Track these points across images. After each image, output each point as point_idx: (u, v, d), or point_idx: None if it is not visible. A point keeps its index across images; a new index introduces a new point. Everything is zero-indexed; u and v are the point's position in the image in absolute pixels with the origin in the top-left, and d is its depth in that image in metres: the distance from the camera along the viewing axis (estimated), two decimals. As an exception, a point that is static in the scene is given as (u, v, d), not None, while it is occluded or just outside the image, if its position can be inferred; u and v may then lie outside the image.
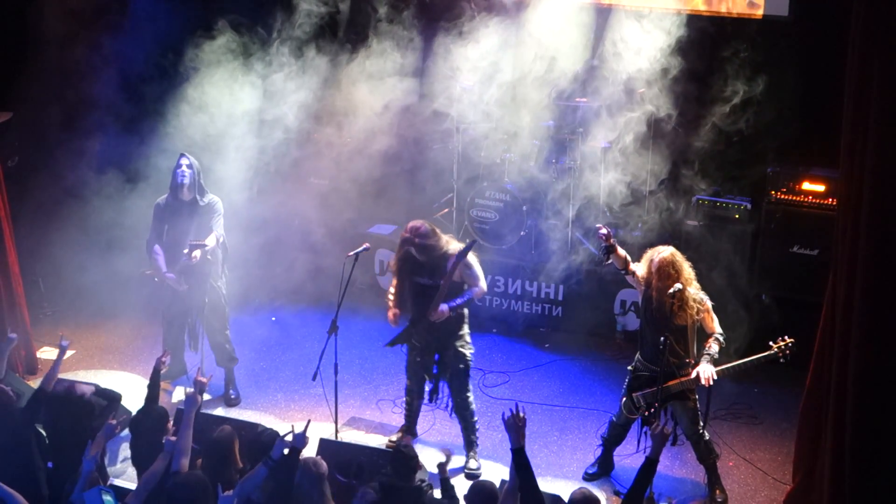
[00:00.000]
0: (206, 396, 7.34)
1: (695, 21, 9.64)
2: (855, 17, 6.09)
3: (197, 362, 8.79)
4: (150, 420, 6.99)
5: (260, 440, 6.61)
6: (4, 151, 10.04)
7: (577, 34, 9.73)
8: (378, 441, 8.26)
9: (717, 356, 7.34)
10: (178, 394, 8.98)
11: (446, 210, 10.67)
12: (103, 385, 8.30)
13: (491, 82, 10.09)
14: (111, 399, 7.32)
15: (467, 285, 7.76)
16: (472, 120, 10.31)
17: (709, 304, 7.41)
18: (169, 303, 8.82)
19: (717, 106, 9.38)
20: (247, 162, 10.05)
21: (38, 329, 9.81)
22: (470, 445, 8.06)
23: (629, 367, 7.67)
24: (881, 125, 5.91)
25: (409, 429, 8.36)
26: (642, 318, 7.59)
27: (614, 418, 7.84)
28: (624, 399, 7.64)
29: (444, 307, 7.68)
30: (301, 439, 6.33)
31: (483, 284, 7.84)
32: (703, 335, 7.41)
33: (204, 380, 7.13)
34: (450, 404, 8.05)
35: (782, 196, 9.40)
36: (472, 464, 8.01)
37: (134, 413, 7.29)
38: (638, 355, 7.60)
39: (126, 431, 7.14)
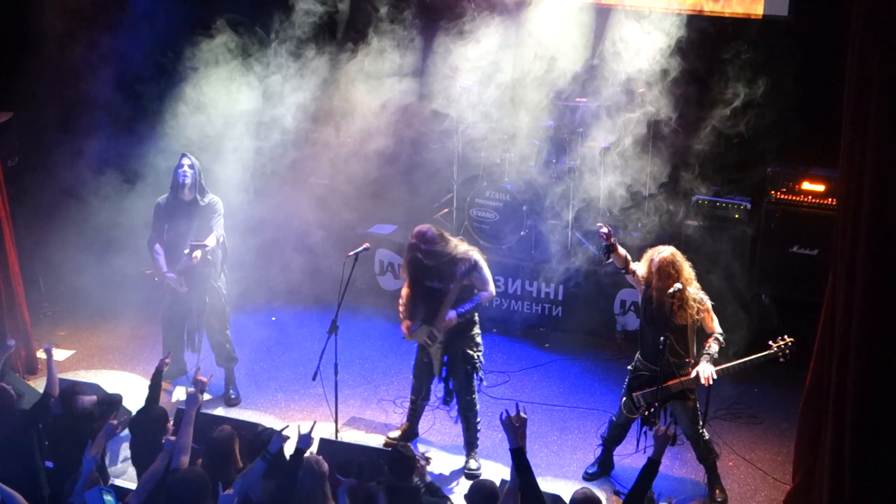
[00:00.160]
0: (206, 396, 7.34)
1: (695, 22, 9.64)
2: (855, 17, 6.10)
3: (197, 362, 8.80)
4: (150, 420, 6.99)
5: (260, 440, 6.62)
6: (4, 151, 10.04)
7: (577, 34, 9.74)
8: (378, 441, 8.27)
9: (716, 356, 7.35)
10: (179, 394, 8.98)
11: (446, 210, 10.67)
12: (103, 385, 8.32)
13: (491, 82, 10.09)
14: (111, 403, 7.31)
15: (476, 289, 7.77)
16: (471, 120, 10.31)
17: (709, 303, 7.41)
18: (169, 303, 8.83)
19: (717, 108, 9.38)
20: (246, 162, 10.04)
21: (38, 329, 9.81)
22: (471, 446, 8.07)
23: (629, 367, 7.67)
24: (881, 125, 5.91)
25: (411, 428, 8.36)
26: (642, 317, 7.59)
27: (614, 418, 7.85)
28: (624, 399, 7.64)
29: (452, 314, 7.71)
30: (306, 440, 6.34)
31: (492, 288, 7.86)
32: (703, 335, 7.41)
33: (204, 379, 7.13)
34: (455, 404, 8.05)
35: (782, 196, 9.40)
36: (473, 464, 8.02)
37: (134, 413, 7.30)
38: (638, 355, 7.60)
39: (126, 431, 7.15)
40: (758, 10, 9.82)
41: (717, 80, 9.43)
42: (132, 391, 8.37)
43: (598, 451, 8.03)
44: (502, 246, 10.16)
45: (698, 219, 9.70)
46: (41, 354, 9.45)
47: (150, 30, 10.43)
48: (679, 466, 8.09)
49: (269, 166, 10.44)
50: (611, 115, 9.89)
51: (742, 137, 9.48)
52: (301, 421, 8.35)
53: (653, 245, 7.72)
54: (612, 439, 7.92)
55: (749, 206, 9.67)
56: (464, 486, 7.73)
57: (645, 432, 7.47)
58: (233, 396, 8.91)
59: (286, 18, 10.16)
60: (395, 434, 8.31)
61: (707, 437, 7.59)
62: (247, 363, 9.36)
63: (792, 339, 7.32)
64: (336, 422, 7.90)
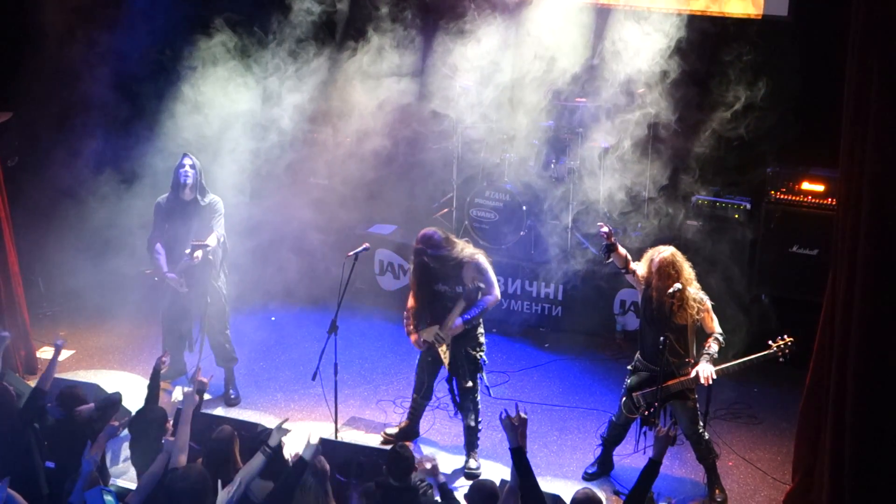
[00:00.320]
0: (206, 396, 7.33)
1: (695, 22, 9.64)
2: (854, 17, 6.10)
3: (198, 362, 8.80)
4: (150, 420, 7.00)
5: (260, 440, 6.62)
6: (4, 151, 10.04)
7: (577, 34, 9.73)
8: (377, 440, 8.26)
9: (716, 356, 7.35)
10: (178, 394, 8.91)
11: (446, 210, 10.67)
12: (103, 385, 8.32)
13: (490, 82, 10.09)
14: (111, 403, 7.31)
15: (481, 293, 7.78)
16: (471, 120, 10.32)
17: (708, 303, 7.41)
18: (169, 303, 8.82)
19: (717, 109, 9.38)
20: (245, 163, 10.04)
21: (38, 329, 9.81)
22: (471, 445, 8.07)
23: (629, 367, 7.68)
24: (880, 125, 5.91)
25: (412, 427, 8.36)
26: (642, 317, 7.60)
27: (614, 418, 7.85)
28: (623, 399, 7.64)
29: (458, 321, 7.73)
30: (314, 452, 6.33)
31: (497, 292, 7.87)
32: (703, 335, 7.41)
33: (204, 380, 7.14)
34: (456, 399, 8.05)
35: (782, 196, 9.40)
36: (472, 463, 8.02)
37: (134, 413, 7.30)
38: (638, 355, 7.60)
39: (126, 431, 7.14)
40: (757, 10, 9.82)
41: (717, 81, 9.43)
42: (132, 391, 8.36)
43: (598, 451, 8.03)
44: (502, 246, 10.16)
45: (698, 219, 9.70)
46: (41, 354, 9.47)
47: (148, 29, 10.42)
48: (679, 466, 8.09)
49: (268, 166, 10.44)
50: (610, 116, 9.89)
51: (742, 140, 9.48)
52: (300, 421, 8.37)
53: (652, 246, 7.73)
54: (611, 439, 7.92)
55: (749, 206, 9.68)
56: (464, 485, 7.73)
57: (644, 432, 7.47)
58: (232, 396, 8.91)
59: (285, 18, 10.16)
60: (393, 430, 8.31)
61: (707, 437, 7.59)
62: (246, 363, 9.36)
63: (792, 339, 7.32)
64: (336, 422, 7.90)
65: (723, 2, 9.90)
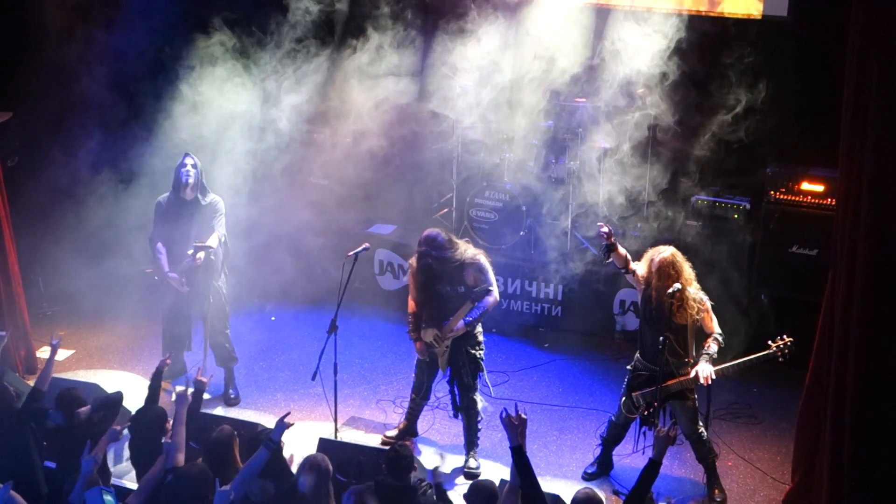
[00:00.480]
0: (206, 396, 7.33)
1: (694, 23, 9.64)
2: (854, 17, 6.10)
3: (196, 362, 8.81)
4: (149, 420, 7.00)
5: (259, 440, 6.62)
6: (4, 151, 10.04)
7: (577, 34, 9.73)
8: (377, 440, 8.27)
9: (716, 356, 7.35)
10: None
11: (445, 210, 10.67)
12: (103, 384, 8.32)
13: (490, 82, 10.09)
14: (112, 403, 7.31)
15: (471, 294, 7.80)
16: (470, 120, 10.31)
17: (708, 304, 7.41)
18: (170, 303, 8.83)
19: (717, 111, 9.38)
20: (244, 162, 10.05)
21: (38, 329, 9.80)
22: (471, 445, 8.07)
23: (628, 367, 7.68)
24: (880, 125, 5.92)
25: (410, 427, 8.36)
26: (642, 317, 7.60)
27: (613, 418, 7.85)
28: (623, 399, 7.65)
29: (459, 324, 7.73)
30: (281, 430, 6.37)
31: (496, 293, 7.88)
32: (703, 335, 7.41)
33: (204, 379, 7.14)
34: (457, 402, 8.06)
35: (781, 196, 9.40)
36: (472, 463, 8.03)
37: (134, 413, 7.30)
38: (637, 355, 7.60)
39: (126, 431, 7.15)
40: (757, 10, 9.82)
41: (717, 82, 9.43)
42: (132, 391, 8.36)
43: (598, 451, 8.03)
44: (501, 246, 10.16)
45: (697, 219, 9.70)
46: (41, 353, 9.47)
47: (147, 28, 10.41)
48: (678, 466, 8.09)
49: (267, 166, 10.44)
50: (610, 116, 9.89)
51: (742, 142, 9.47)
52: (300, 420, 8.37)
53: (652, 247, 7.73)
54: (611, 439, 7.92)
55: (748, 206, 9.68)
56: (464, 485, 7.73)
57: (644, 432, 7.48)
58: (232, 396, 8.91)
59: (284, 18, 10.16)
60: (393, 433, 8.32)
61: (706, 437, 7.59)
62: (246, 363, 9.36)
63: (791, 340, 7.32)
64: (335, 421, 7.90)
65: (723, 2, 9.89)
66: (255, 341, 9.81)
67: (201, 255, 8.42)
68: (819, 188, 9.27)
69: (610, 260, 7.56)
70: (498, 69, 10.01)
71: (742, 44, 9.47)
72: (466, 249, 7.80)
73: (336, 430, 7.94)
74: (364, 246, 8.07)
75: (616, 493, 7.77)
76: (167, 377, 8.70)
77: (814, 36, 9.52)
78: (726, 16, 9.89)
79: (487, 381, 8.11)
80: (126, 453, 7.59)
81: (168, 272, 8.59)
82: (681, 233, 9.57)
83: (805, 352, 7.22)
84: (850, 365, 6.22)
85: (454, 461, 8.14)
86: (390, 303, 10.35)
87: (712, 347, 7.34)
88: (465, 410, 8.00)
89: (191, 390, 6.95)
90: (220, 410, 8.59)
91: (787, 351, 7.31)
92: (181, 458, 6.47)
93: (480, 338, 7.98)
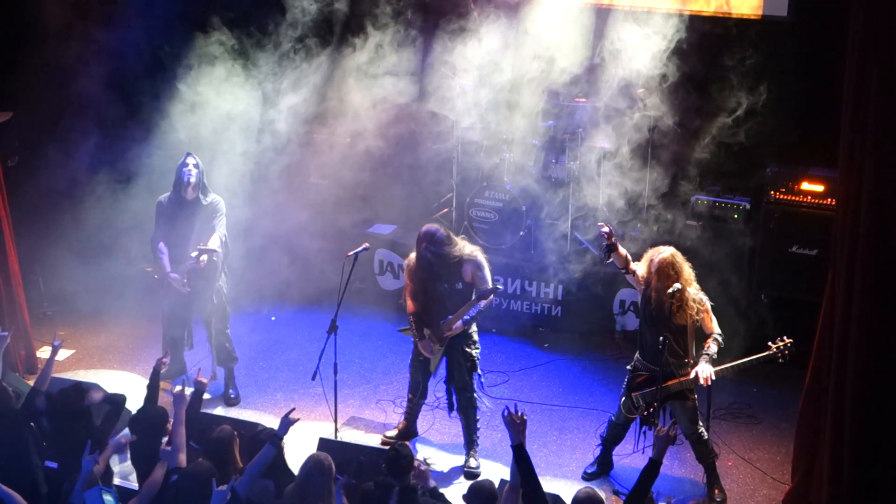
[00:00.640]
0: (206, 396, 7.33)
1: (694, 23, 9.63)
2: (854, 17, 6.11)
3: (196, 362, 8.81)
4: (150, 420, 7.00)
5: (259, 439, 6.63)
6: (4, 151, 10.04)
7: (577, 34, 9.73)
8: (377, 440, 8.27)
9: (715, 356, 7.35)
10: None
11: (445, 210, 10.66)
12: (103, 384, 8.30)
13: (491, 82, 10.09)
14: (116, 402, 7.32)
15: (476, 292, 7.79)
16: (471, 120, 10.31)
17: (708, 304, 7.41)
18: (170, 303, 8.82)
19: (717, 113, 9.38)
20: (244, 163, 10.05)
21: (38, 329, 9.80)
22: (470, 444, 8.08)
23: (628, 367, 7.68)
24: (880, 125, 5.92)
25: (409, 427, 8.37)
26: (642, 318, 7.60)
27: (613, 418, 7.85)
28: (623, 399, 7.65)
29: (458, 323, 7.72)
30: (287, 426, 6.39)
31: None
32: (702, 335, 7.41)
33: (204, 380, 7.14)
34: (453, 403, 8.07)
35: (781, 196, 9.40)
36: (472, 462, 8.03)
37: (134, 413, 7.30)
38: (637, 355, 7.61)
39: (125, 431, 7.15)
40: (757, 10, 9.82)
41: (718, 82, 9.43)
42: (132, 391, 8.35)
43: (598, 451, 8.03)
44: (501, 246, 10.16)
45: (697, 219, 9.70)
46: (41, 353, 9.47)
47: (145, 26, 10.40)
48: (678, 466, 8.09)
49: (267, 167, 10.43)
50: (610, 116, 9.89)
51: (742, 145, 9.45)
52: (300, 421, 8.36)
53: (653, 244, 7.72)
54: (611, 439, 7.92)
55: (748, 206, 9.68)
56: (464, 484, 7.73)
57: (644, 432, 7.48)
58: (232, 396, 8.91)
59: (284, 17, 10.15)
60: (393, 433, 8.32)
61: (706, 437, 7.59)
62: (246, 363, 9.36)
63: (791, 341, 7.32)
64: (335, 421, 7.90)
65: (722, 2, 9.89)
66: (255, 341, 9.81)
67: (204, 258, 8.43)
68: (819, 188, 9.27)
69: (610, 260, 7.56)
70: (498, 69, 10.01)
71: (743, 44, 9.47)
72: (464, 246, 7.81)
73: (336, 430, 7.94)
74: (364, 246, 8.07)
75: (616, 493, 7.77)
76: (167, 377, 8.71)
77: (814, 36, 9.52)
78: (726, 16, 9.88)
79: (482, 379, 8.10)
80: (126, 453, 7.59)
81: (170, 272, 8.58)
82: (681, 235, 9.55)
83: (805, 352, 7.22)
84: (850, 365, 6.22)
85: (454, 460, 8.14)
86: (390, 303, 10.35)
87: (712, 348, 7.33)
88: (464, 410, 8.01)
89: (190, 390, 6.96)
90: (220, 410, 8.59)
91: (787, 352, 7.31)
92: (183, 459, 6.48)
93: (475, 337, 7.98)
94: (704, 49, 9.67)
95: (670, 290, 7.21)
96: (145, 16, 10.39)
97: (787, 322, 8.63)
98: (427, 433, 8.51)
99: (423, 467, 6.52)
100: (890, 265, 6.00)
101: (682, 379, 7.36)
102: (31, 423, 7.07)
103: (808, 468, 7.09)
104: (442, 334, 7.81)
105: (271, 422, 8.21)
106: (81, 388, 7.14)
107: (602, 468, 7.98)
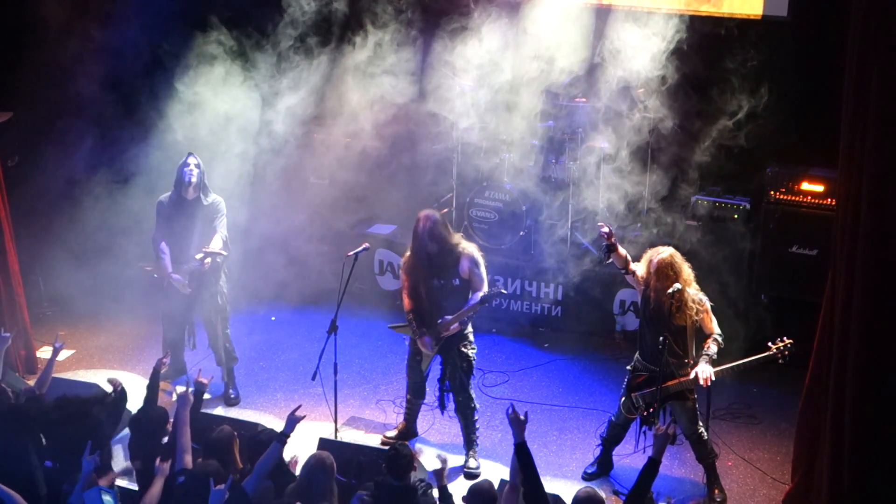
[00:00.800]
0: (206, 396, 7.33)
1: (696, 24, 9.63)
2: (854, 16, 6.11)
3: (196, 362, 8.81)
4: (150, 420, 7.01)
5: (259, 440, 6.63)
6: (4, 151, 10.03)
7: (577, 35, 9.73)
8: (377, 440, 8.27)
9: (715, 356, 7.35)
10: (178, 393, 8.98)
11: (446, 210, 10.65)
12: (103, 384, 8.29)
13: (490, 82, 10.09)
14: (117, 402, 7.33)
15: (472, 289, 7.79)
16: (470, 120, 10.31)
17: (708, 304, 7.41)
18: (171, 303, 8.82)
19: (717, 114, 9.36)
20: (244, 163, 10.05)
21: (38, 329, 9.81)
22: (470, 444, 8.08)
23: (628, 367, 7.68)
24: (880, 125, 5.92)
25: (409, 427, 8.37)
26: (641, 318, 7.60)
27: (613, 418, 7.85)
28: (623, 399, 7.65)
29: (455, 324, 7.72)
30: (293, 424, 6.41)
31: (486, 288, 7.86)
32: (702, 336, 7.41)
33: (204, 381, 7.14)
34: (451, 404, 8.07)
35: (781, 196, 9.39)
36: (472, 463, 8.03)
37: (134, 413, 7.30)
38: (637, 355, 7.61)
39: (126, 431, 7.15)
40: (757, 10, 9.82)
41: (718, 85, 9.43)
42: (132, 391, 8.35)
43: (598, 451, 8.03)
44: (501, 246, 10.16)
45: (697, 220, 9.69)
46: (41, 353, 9.47)
47: (144, 25, 10.38)
48: (678, 466, 8.09)
49: (266, 167, 10.43)
50: (610, 116, 9.89)
51: (742, 148, 9.43)
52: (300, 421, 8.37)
53: (653, 244, 7.72)
54: (611, 439, 7.92)
55: (748, 206, 9.67)
56: (463, 484, 7.73)
57: (644, 432, 7.48)
58: (232, 396, 8.91)
59: (283, 17, 10.14)
60: (392, 433, 8.32)
61: (706, 437, 7.59)
62: (246, 363, 9.36)
63: (791, 341, 7.31)
64: (335, 421, 7.90)
65: (722, 2, 9.89)
66: (254, 341, 9.81)
67: (209, 260, 8.44)
68: (819, 188, 9.27)
69: (610, 260, 7.56)
70: (498, 69, 10.00)
71: (743, 45, 9.46)
72: (460, 240, 7.83)
73: (336, 430, 7.94)
74: (364, 246, 8.06)
75: (616, 493, 7.77)
76: (167, 377, 8.72)
77: (814, 36, 9.51)
78: (726, 16, 9.87)
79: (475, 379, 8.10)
80: (126, 453, 7.60)
81: (171, 273, 8.58)
82: (681, 238, 9.53)
83: (805, 352, 7.22)
84: (850, 365, 6.22)
85: (454, 461, 8.14)
86: (391, 303, 10.35)
87: (712, 348, 7.33)
88: (462, 411, 8.00)
89: (191, 390, 6.96)
90: (220, 410, 8.59)
91: (786, 353, 7.30)
92: (189, 460, 6.49)
93: (471, 337, 7.98)
94: (704, 50, 9.67)
95: (670, 291, 7.21)
96: (144, 14, 10.37)
97: (786, 322, 8.64)
98: (427, 433, 8.51)
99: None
100: (890, 265, 6.00)
101: (682, 379, 7.36)
102: (31, 424, 7.07)
103: (808, 468, 7.09)
104: (439, 333, 7.81)
105: (271, 422, 8.25)
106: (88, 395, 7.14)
107: (602, 468, 7.98)
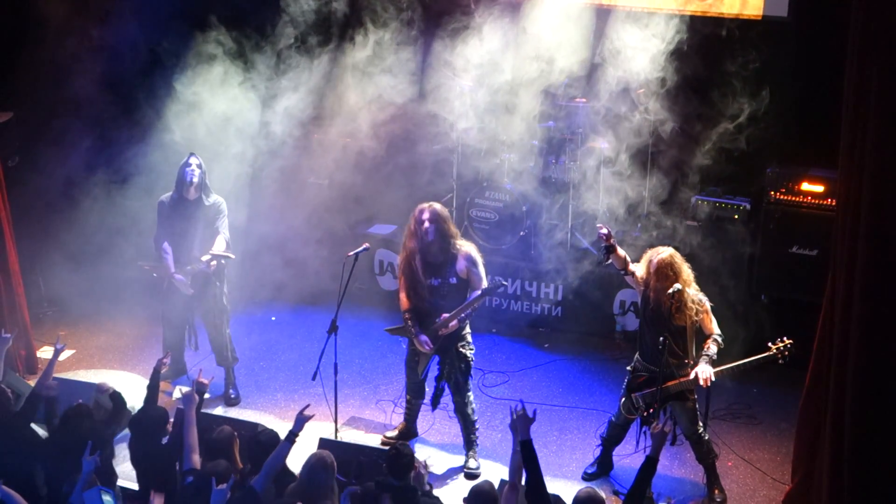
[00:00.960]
0: (206, 396, 7.33)
1: (696, 25, 9.63)
2: (854, 17, 6.10)
3: (197, 362, 8.81)
4: (150, 420, 7.00)
5: (259, 440, 6.63)
6: (5, 151, 10.03)
7: (577, 35, 9.73)
8: (377, 440, 8.27)
9: (715, 357, 7.35)
10: (178, 393, 8.97)
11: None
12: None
13: (491, 83, 10.09)
14: (117, 402, 7.32)
15: (470, 288, 7.79)
16: (471, 120, 10.31)
17: (707, 304, 7.41)
18: (171, 303, 8.81)
19: (718, 116, 9.37)
20: (244, 163, 10.05)
21: (39, 329, 9.82)
22: (469, 445, 8.08)
23: (628, 368, 7.68)
24: (880, 125, 5.91)
25: (409, 428, 8.36)
26: (641, 318, 7.60)
27: (613, 418, 7.85)
28: (623, 399, 7.65)
29: (453, 322, 7.72)
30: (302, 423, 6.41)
31: (484, 286, 7.86)
32: (702, 336, 7.41)
33: (205, 381, 7.14)
34: (450, 404, 8.07)
35: (781, 196, 9.40)
36: (472, 463, 8.02)
37: (134, 413, 7.30)
38: (637, 356, 7.61)
39: (126, 431, 7.15)
40: (757, 11, 9.82)
41: (719, 86, 9.42)
42: (132, 391, 8.36)
43: (598, 451, 8.03)
44: (502, 246, 10.16)
45: (698, 220, 9.69)
46: (41, 353, 9.48)
47: (143, 24, 10.38)
48: (678, 466, 8.10)
49: (266, 167, 10.43)
50: (610, 116, 9.89)
51: (742, 151, 9.44)
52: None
53: (653, 244, 7.71)
54: (611, 439, 7.92)
55: (748, 206, 9.67)
56: (463, 484, 7.74)
57: (644, 432, 7.48)
58: (232, 396, 8.91)
59: (282, 17, 10.14)
60: (392, 434, 8.32)
61: (706, 438, 7.59)
62: (246, 363, 9.36)
63: (791, 341, 7.32)
64: (336, 421, 7.90)
65: (723, 2, 9.89)
66: (255, 342, 9.82)
67: (214, 262, 8.45)
68: (819, 189, 9.27)
69: (609, 261, 7.56)
70: (498, 69, 10.01)
71: (744, 45, 9.46)
72: (459, 238, 7.84)
73: (336, 430, 7.94)
74: (364, 246, 8.06)
75: (616, 493, 7.77)
76: (167, 378, 8.73)
77: (814, 36, 9.51)
78: (726, 17, 9.86)
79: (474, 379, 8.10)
80: (125, 453, 7.60)
81: (174, 273, 8.58)
82: (682, 241, 9.53)
83: (805, 352, 7.22)
84: (849, 365, 6.22)
85: (454, 461, 8.14)
86: (391, 303, 10.34)
87: (712, 349, 7.33)
88: (461, 411, 8.00)
89: (188, 390, 6.94)
90: (220, 410, 8.60)
91: (786, 353, 7.31)
92: (197, 459, 6.49)
93: (469, 338, 7.97)
94: (705, 51, 9.67)
95: (670, 291, 7.21)
96: (143, 13, 10.36)
97: (787, 323, 8.64)
98: (427, 433, 8.51)
99: (422, 470, 6.53)
100: (890, 265, 5.99)
101: (682, 380, 7.36)
102: (31, 425, 7.08)
103: (809, 468, 7.09)
104: (436, 332, 7.80)
105: (271, 422, 8.25)
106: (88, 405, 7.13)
107: (602, 468, 7.98)
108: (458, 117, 10.31)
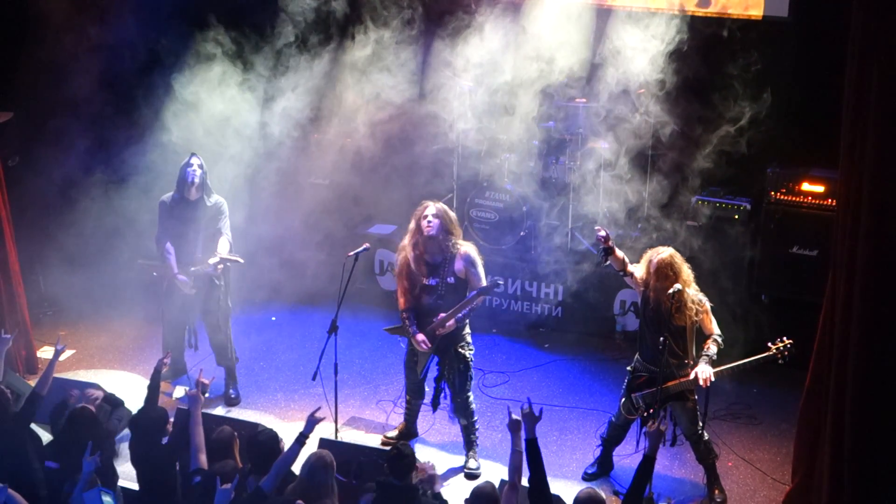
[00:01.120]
0: (206, 396, 7.32)
1: (697, 25, 9.62)
2: (854, 17, 6.10)
3: (197, 362, 8.80)
4: (150, 420, 6.99)
5: (259, 440, 6.62)
6: (5, 151, 10.03)
7: (577, 35, 9.73)
8: (377, 441, 8.27)
9: (715, 357, 7.35)
10: (178, 393, 8.98)
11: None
12: (103, 384, 8.31)
13: (491, 83, 10.09)
14: (115, 404, 7.33)
15: (469, 288, 7.78)
16: (471, 120, 10.31)
17: (707, 305, 7.41)
18: (172, 303, 8.81)
19: (718, 116, 9.35)
20: (244, 163, 10.04)
21: (39, 329, 9.82)
22: (470, 445, 8.07)
23: (628, 368, 7.68)
24: (881, 125, 5.92)
25: (409, 428, 8.36)
26: (641, 318, 7.60)
27: (613, 419, 7.85)
28: (623, 400, 7.65)
29: (450, 321, 7.71)
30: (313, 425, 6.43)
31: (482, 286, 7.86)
32: (702, 336, 7.41)
33: (206, 381, 7.13)
34: (450, 405, 8.06)
35: (782, 197, 9.40)
36: (472, 463, 8.02)
37: (134, 413, 7.30)
38: (637, 356, 7.61)
39: (126, 431, 7.14)
40: (757, 11, 9.81)
41: (719, 86, 9.41)
42: (132, 391, 8.38)
43: (598, 452, 8.03)
44: (502, 246, 10.16)
45: (698, 220, 9.69)
46: (41, 354, 9.47)
47: (143, 23, 10.37)
48: (678, 467, 8.09)
49: (266, 167, 10.43)
50: (610, 117, 9.88)
51: (742, 151, 9.43)
52: (300, 420, 8.36)
53: (652, 245, 7.71)
54: (611, 440, 7.92)
55: (749, 206, 9.67)
56: (463, 484, 7.73)
57: (644, 433, 7.47)
58: (233, 396, 8.91)
59: (282, 17, 10.14)
60: (392, 434, 8.32)
61: (706, 438, 7.59)
62: (247, 363, 9.36)
63: (791, 341, 7.31)
64: (336, 422, 7.90)
65: (722, 3, 9.88)
66: (255, 341, 9.81)
67: (221, 266, 8.44)
68: (819, 189, 9.27)
69: (608, 263, 7.56)
70: (498, 69, 10.01)
71: (744, 46, 9.44)
72: (459, 237, 7.84)
73: (336, 430, 7.94)
74: (364, 246, 8.07)
75: (616, 493, 7.76)
76: (167, 378, 8.72)
77: (814, 36, 9.51)
78: (726, 17, 9.86)
79: (471, 377, 8.09)
80: (125, 453, 7.59)
81: (177, 273, 8.57)
82: (682, 244, 9.51)
83: (805, 352, 7.21)
84: (850, 365, 6.22)
85: (454, 461, 8.14)
86: (391, 303, 10.32)
87: (712, 349, 7.33)
88: (461, 411, 7.99)
89: (194, 391, 6.94)
90: (220, 410, 8.60)
91: (786, 353, 7.30)
92: (204, 459, 6.49)
93: (469, 338, 7.97)
94: (705, 51, 9.66)
95: (670, 291, 7.20)
96: (141, 12, 10.35)
97: (787, 323, 8.63)
98: (427, 433, 8.51)
99: (430, 471, 6.53)
100: (890, 265, 6.00)
101: (682, 380, 7.36)
102: (31, 425, 7.07)
103: (809, 469, 7.08)
104: (434, 332, 7.79)
105: (271, 422, 8.25)
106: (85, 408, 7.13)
107: (602, 469, 7.98)
108: (457, 117, 10.31)
